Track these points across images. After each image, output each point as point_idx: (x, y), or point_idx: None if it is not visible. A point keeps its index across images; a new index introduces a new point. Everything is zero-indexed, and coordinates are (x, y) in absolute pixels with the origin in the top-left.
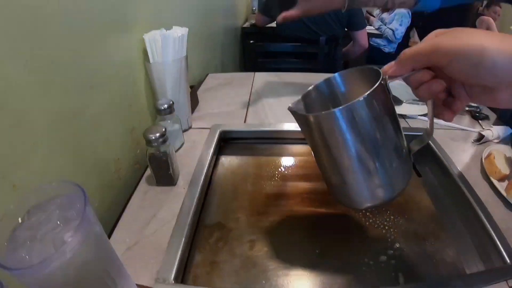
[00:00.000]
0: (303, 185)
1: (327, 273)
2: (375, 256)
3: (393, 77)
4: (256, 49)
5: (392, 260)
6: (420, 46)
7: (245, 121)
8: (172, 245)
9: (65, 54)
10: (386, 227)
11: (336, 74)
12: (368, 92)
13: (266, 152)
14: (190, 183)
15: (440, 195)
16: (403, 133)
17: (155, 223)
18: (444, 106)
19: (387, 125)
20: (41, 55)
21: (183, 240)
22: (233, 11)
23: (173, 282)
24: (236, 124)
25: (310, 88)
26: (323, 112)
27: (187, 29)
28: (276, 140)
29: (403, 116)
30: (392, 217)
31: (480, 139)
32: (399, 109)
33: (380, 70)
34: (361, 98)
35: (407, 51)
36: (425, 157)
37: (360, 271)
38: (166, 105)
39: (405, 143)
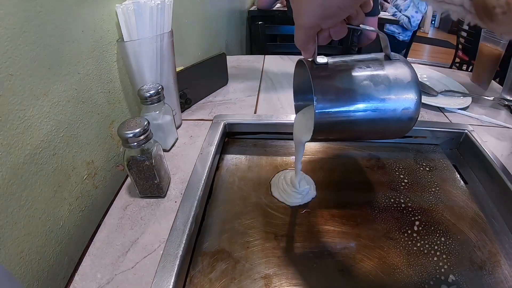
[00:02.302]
0: (333, 196)
1: None
2: None
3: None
4: (265, 32)
5: None
6: (297, 33)
7: (255, 112)
8: (158, 286)
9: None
10: (438, 253)
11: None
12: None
13: (282, 150)
14: (185, 195)
15: (491, 207)
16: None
17: (136, 252)
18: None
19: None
20: None
21: (174, 278)
22: None
23: None
24: (244, 115)
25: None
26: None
27: None
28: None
29: (441, 109)
30: (443, 239)
31: None
32: (434, 101)
33: (301, 60)
34: (314, 99)
35: (297, 41)
36: (470, 160)
37: None
38: (152, 91)
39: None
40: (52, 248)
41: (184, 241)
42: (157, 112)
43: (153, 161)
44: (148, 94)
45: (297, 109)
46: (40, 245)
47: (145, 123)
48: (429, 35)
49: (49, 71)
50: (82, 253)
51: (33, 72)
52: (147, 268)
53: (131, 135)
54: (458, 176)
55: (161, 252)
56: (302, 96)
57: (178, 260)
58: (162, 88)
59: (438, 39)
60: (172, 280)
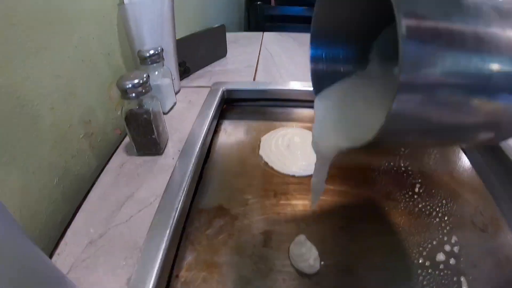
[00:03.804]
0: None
1: (370, 279)
2: (431, 255)
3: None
4: (263, 12)
5: (451, 259)
6: None
7: (254, 80)
8: (152, 239)
9: None
10: (440, 214)
11: None
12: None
13: (282, 116)
14: (182, 152)
15: (490, 176)
16: None
17: (131, 207)
18: None
19: None
20: None
21: (169, 231)
22: None
23: None
24: (243, 82)
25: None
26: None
27: None
28: (292, 102)
29: None
30: (444, 201)
31: None
32: None
33: None
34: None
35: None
36: None
37: (413, 276)
38: (152, 51)
39: None
40: (45, 206)
41: (181, 194)
42: (156, 73)
43: (152, 114)
44: (148, 54)
45: (319, 83)
46: (33, 201)
47: (144, 75)
48: None
49: (50, 26)
50: (76, 210)
51: (34, 25)
52: (141, 221)
53: (130, 85)
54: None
55: (157, 205)
56: (341, 49)
57: (175, 212)
58: (162, 49)
59: None
60: (167, 233)
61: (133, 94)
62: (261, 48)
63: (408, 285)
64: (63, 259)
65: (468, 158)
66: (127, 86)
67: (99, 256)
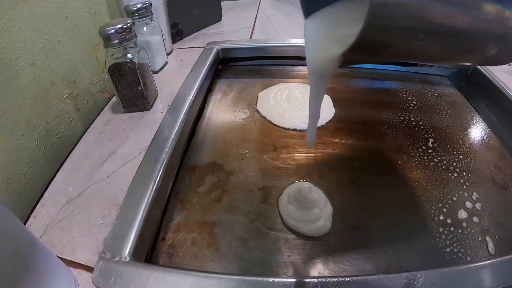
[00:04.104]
0: (336, 111)
1: (385, 237)
2: (452, 212)
3: None
4: None
5: (473, 216)
6: None
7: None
8: (134, 193)
9: None
10: (458, 170)
11: None
12: None
13: (280, 74)
14: (171, 107)
15: (505, 134)
16: None
17: (114, 162)
18: None
19: None
20: None
21: (153, 185)
22: None
23: (127, 258)
24: (238, 41)
25: None
26: None
27: None
28: (289, 60)
29: None
30: (461, 157)
31: None
32: None
33: None
34: None
35: None
36: (479, 91)
37: (435, 234)
38: (140, 5)
39: None
40: (25, 168)
41: (168, 147)
42: (145, 28)
43: (136, 63)
44: (135, 8)
45: (309, 7)
46: (11, 162)
47: (128, 21)
48: None
49: None
50: (56, 171)
51: None
52: (124, 176)
53: (113, 31)
54: (469, 104)
55: (141, 159)
56: None
57: (160, 164)
58: (150, 4)
59: None
60: (151, 187)
61: (116, 41)
62: (258, 12)
63: (428, 245)
64: (38, 221)
65: (481, 116)
66: (109, 32)
67: (76, 216)
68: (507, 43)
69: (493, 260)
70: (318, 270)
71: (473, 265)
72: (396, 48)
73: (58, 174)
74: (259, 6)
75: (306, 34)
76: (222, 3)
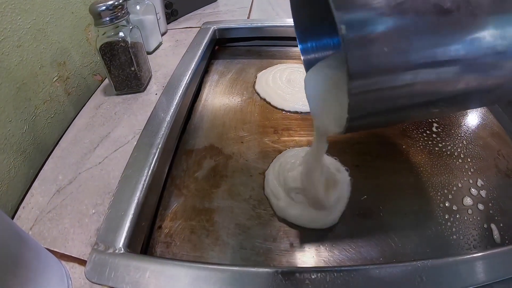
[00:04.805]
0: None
1: (391, 223)
2: (457, 199)
3: None
4: None
5: (479, 204)
6: None
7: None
8: (127, 179)
9: None
10: (462, 155)
11: None
12: None
13: (278, 55)
14: (166, 88)
15: (507, 122)
16: None
17: (106, 147)
18: None
19: None
20: None
21: (147, 170)
22: None
23: (122, 249)
24: (236, 20)
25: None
26: None
27: None
28: (290, 41)
29: None
30: (465, 143)
31: None
32: None
33: None
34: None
35: None
36: None
37: (441, 221)
38: None
39: None
40: (13, 157)
41: (163, 130)
42: (138, 7)
43: (129, 42)
44: None
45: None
46: None
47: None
48: None
49: None
50: (46, 158)
51: None
52: (117, 162)
53: (104, 8)
54: None
55: (135, 143)
56: (315, 38)
57: (155, 148)
58: None
59: None
60: (145, 172)
61: (107, 18)
62: None
63: (435, 232)
64: (27, 212)
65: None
66: (100, 9)
67: (67, 205)
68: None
69: (498, 250)
70: (323, 258)
71: (478, 254)
72: (392, 115)
73: (47, 161)
74: None
75: (307, 87)
76: None
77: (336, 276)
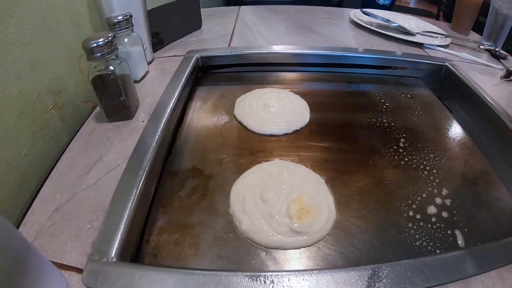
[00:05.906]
0: (311, 116)
1: (358, 234)
2: (421, 208)
3: None
4: None
5: (443, 212)
6: None
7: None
8: (119, 198)
9: None
10: (428, 168)
11: None
12: None
13: (258, 80)
14: (153, 115)
15: (477, 132)
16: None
17: (99, 170)
18: None
19: None
20: None
21: (136, 190)
22: None
23: (114, 258)
24: (217, 49)
25: None
26: None
27: None
28: (268, 67)
29: (420, 46)
30: (431, 155)
31: (509, 75)
32: (413, 39)
33: None
34: None
35: None
36: (452, 92)
37: (404, 229)
38: (121, 17)
39: None
40: (14, 178)
41: (149, 154)
42: (126, 40)
43: (118, 74)
44: (116, 20)
45: None
46: (1, 172)
47: (110, 35)
48: (411, 5)
49: None
50: (44, 180)
51: None
52: (109, 183)
53: (95, 44)
54: (442, 104)
55: (125, 166)
56: None
57: (143, 171)
58: (131, 16)
59: (419, 9)
60: (134, 192)
61: (98, 54)
62: (237, 19)
63: (398, 239)
64: (29, 228)
65: (453, 116)
66: (92, 45)
67: (64, 222)
68: None
69: (458, 252)
70: (293, 265)
71: (438, 256)
72: None
73: (46, 182)
74: (238, 12)
75: None
76: (202, 10)
77: (298, 278)
